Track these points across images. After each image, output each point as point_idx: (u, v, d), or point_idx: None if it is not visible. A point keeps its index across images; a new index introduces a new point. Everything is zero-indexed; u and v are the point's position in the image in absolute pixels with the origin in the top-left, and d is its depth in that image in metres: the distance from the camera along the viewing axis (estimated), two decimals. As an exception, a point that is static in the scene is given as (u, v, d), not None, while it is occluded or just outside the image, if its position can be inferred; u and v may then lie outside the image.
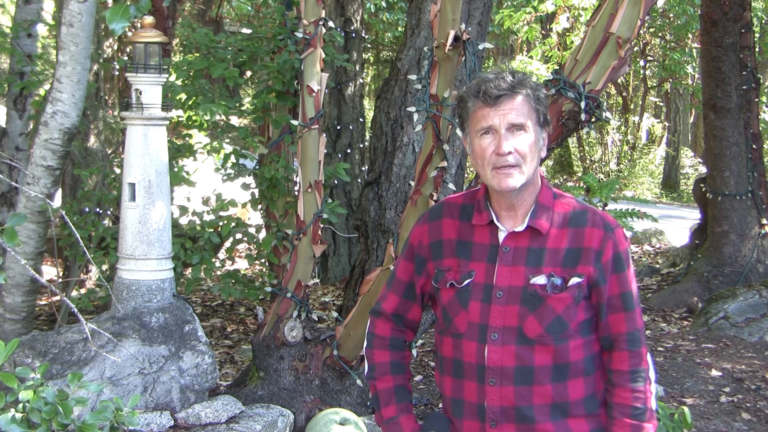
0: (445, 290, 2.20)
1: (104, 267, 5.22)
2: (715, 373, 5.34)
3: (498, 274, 2.14)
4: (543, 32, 15.82)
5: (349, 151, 9.27)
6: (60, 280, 7.32)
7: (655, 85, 21.07)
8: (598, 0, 6.54)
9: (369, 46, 13.30)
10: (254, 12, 10.70)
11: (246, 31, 7.65)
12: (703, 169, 14.30)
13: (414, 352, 4.34)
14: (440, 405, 4.58)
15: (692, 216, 11.85)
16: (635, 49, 16.54)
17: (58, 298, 6.74)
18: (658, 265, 9.71)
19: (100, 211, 5.49)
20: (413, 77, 4.20)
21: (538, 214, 2.15)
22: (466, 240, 2.20)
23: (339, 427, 3.98)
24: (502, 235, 2.17)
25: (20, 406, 2.66)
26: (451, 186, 4.14)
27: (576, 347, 2.12)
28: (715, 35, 7.84)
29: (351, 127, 9.32)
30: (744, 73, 7.85)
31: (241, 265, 8.29)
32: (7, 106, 5.79)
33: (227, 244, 5.91)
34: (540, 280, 2.11)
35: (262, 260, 5.36)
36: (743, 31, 7.85)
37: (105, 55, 8.08)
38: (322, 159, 4.37)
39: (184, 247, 4.88)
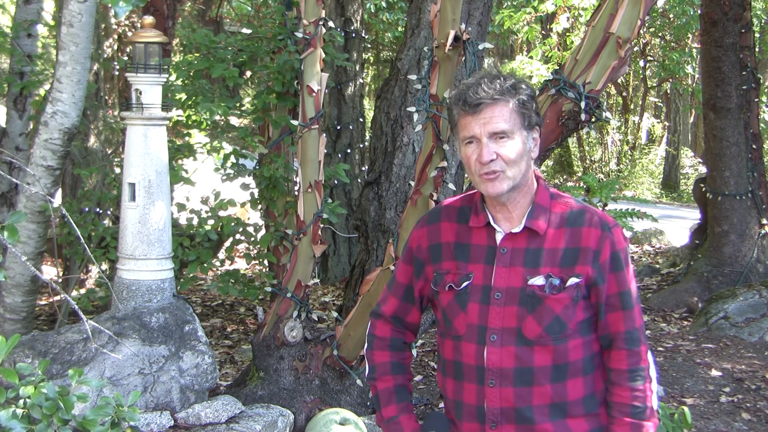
0: (444, 293, 2.21)
1: (104, 266, 5.22)
2: (715, 373, 5.34)
3: (496, 275, 2.14)
4: (543, 32, 15.83)
5: (349, 151, 9.27)
6: (60, 279, 7.33)
7: (655, 85, 21.06)
8: (598, 0, 6.54)
9: (369, 46, 13.30)
10: (254, 12, 10.71)
11: (246, 31, 7.65)
12: (703, 169, 14.30)
13: (414, 352, 4.34)
14: (441, 405, 4.58)
15: (692, 216, 11.85)
16: (635, 49, 16.54)
17: (58, 297, 6.74)
18: (658, 265, 9.71)
19: (100, 211, 5.49)
20: (413, 77, 4.20)
21: (535, 214, 2.15)
22: (464, 242, 2.21)
23: (339, 427, 3.98)
24: (499, 237, 2.17)
25: (21, 402, 2.66)
26: (451, 186, 4.14)
27: (575, 347, 2.12)
28: (715, 35, 7.84)
29: (351, 127, 9.32)
30: (744, 73, 7.85)
31: (241, 265, 8.29)
32: (7, 106, 5.79)
33: (227, 243, 5.91)
34: (538, 280, 2.11)
35: (262, 260, 5.36)
36: (743, 31, 7.85)
37: (105, 55, 8.08)
38: (322, 159, 4.37)
39: (183, 246, 4.88)
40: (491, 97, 2.08)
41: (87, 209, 5.29)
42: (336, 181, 8.70)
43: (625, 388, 2.13)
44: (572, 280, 2.10)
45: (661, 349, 5.90)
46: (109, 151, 7.29)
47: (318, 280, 4.49)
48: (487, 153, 2.07)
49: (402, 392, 2.33)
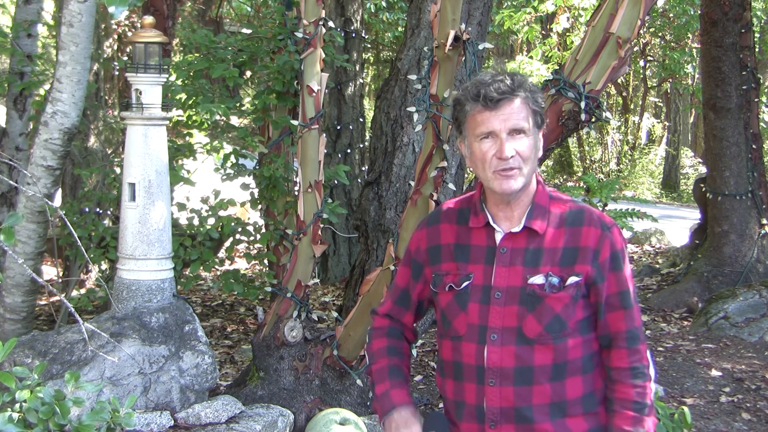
0: (443, 294, 2.21)
1: (104, 267, 5.21)
2: (715, 373, 5.34)
3: (496, 275, 2.15)
4: (543, 32, 15.82)
5: (349, 151, 9.27)
6: (60, 280, 7.32)
7: (655, 85, 21.06)
8: (598, 0, 6.54)
9: (369, 46, 13.29)
10: (254, 12, 10.72)
11: (246, 31, 7.65)
12: (703, 169, 14.29)
13: (414, 352, 4.34)
14: (441, 405, 4.58)
15: (692, 216, 11.85)
16: (635, 49, 16.53)
17: (58, 298, 6.74)
18: (658, 265, 9.71)
19: (100, 211, 5.49)
20: (413, 77, 4.20)
21: (535, 214, 2.16)
22: (463, 243, 2.21)
23: (339, 427, 3.98)
24: (498, 237, 2.18)
25: (17, 406, 2.65)
26: (451, 186, 4.14)
27: (575, 346, 2.13)
28: (715, 35, 7.83)
29: (351, 127, 9.32)
30: (744, 73, 7.85)
31: (241, 265, 8.29)
32: (7, 106, 5.78)
33: (227, 243, 5.91)
34: (538, 279, 2.11)
35: (262, 259, 5.36)
36: (743, 31, 7.85)
37: (105, 55, 8.08)
38: (322, 159, 4.37)
39: (184, 246, 4.87)
40: (512, 92, 2.10)
41: (87, 209, 5.28)
42: (336, 181, 8.69)
43: (628, 385, 2.14)
44: (572, 279, 2.11)
45: (661, 349, 5.90)
46: (109, 151, 7.29)
47: (318, 280, 4.49)
48: (508, 148, 2.08)
49: (395, 371, 2.29)
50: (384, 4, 11.60)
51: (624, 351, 2.15)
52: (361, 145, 9.51)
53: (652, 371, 2.19)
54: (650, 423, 2.15)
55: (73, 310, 2.95)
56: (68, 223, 3.40)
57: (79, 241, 3.55)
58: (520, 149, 2.09)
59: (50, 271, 8.32)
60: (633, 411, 2.13)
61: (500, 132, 2.09)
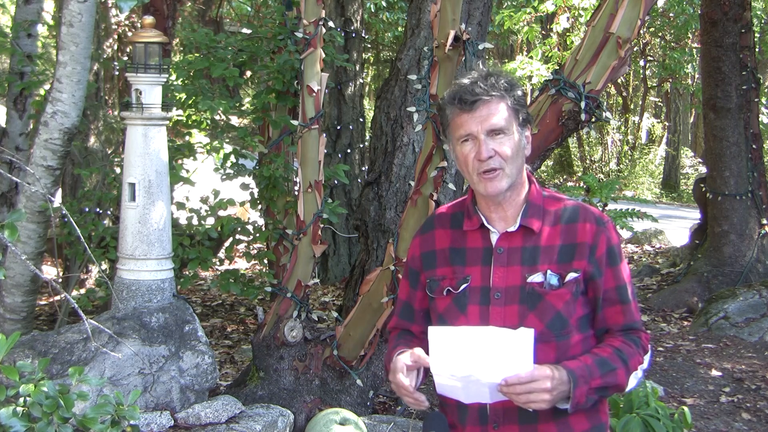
0: (441, 298, 2.20)
1: (104, 267, 5.21)
2: (715, 373, 5.34)
3: (494, 275, 2.14)
4: (543, 32, 15.82)
5: (349, 151, 9.27)
6: (60, 279, 7.32)
7: (655, 85, 21.07)
8: (598, 0, 6.54)
9: (369, 46, 13.30)
10: (254, 12, 10.71)
11: (246, 31, 7.65)
12: (703, 169, 14.29)
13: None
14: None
15: (692, 216, 11.85)
16: (635, 49, 16.53)
17: (58, 297, 6.74)
18: (658, 265, 9.71)
19: (100, 211, 5.49)
20: (413, 77, 4.20)
21: (530, 213, 2.16)
22: (459, 247, 2.21)
23: (339, 427, 3.98)
24: (494, 237, 2.18)
25: (21, 400, 2.66)
26: (451, 186, 4.15)
27: (576, 343, 2.13)
28: (715, 35, 7.84)
29: (351, 127, 9.32)
30: (744, 73, 7.85)
31: (241, 265, 8.29)
32: (7, 106, 5.78)
33: (227, 243, 5.91)
34: (537, 277, 2.11)
35: (262, 259, 5.36)
36: (743, 31, 7.86)
37: (105, 55, 8.08)
38: (322, 159, 4.37)
39: (183, 245, 4.88)
40: (487, 94, 2.09)
41: (87, 209, 5.29)
42: (336, 181, 8.70)
43: (618, 339, 2.13)
44: (571, 276, 2.11)
45: (661, 349, 5.90)
46: (109, 151, 7.28)
47: (318, 280, 4.50)
48: (486, 150, 2.08)
49: (403, 335, 2.25)
50: (384, 4, 11.59)
51: (620, 335, 2.15)
52: (361, 145, 9.51)
53: (647, 358, 2.18)
54: (623, 374, 2.10)
55: (76, 306, 2.95)
56: (73, 223, 3.40)
57: (82, 238, 3.55)
58: (500, 149, 2.09)
59: (50, 271, 8.32)
60: (612, 350, 2.10)
61: (478, 133, 2.09)
